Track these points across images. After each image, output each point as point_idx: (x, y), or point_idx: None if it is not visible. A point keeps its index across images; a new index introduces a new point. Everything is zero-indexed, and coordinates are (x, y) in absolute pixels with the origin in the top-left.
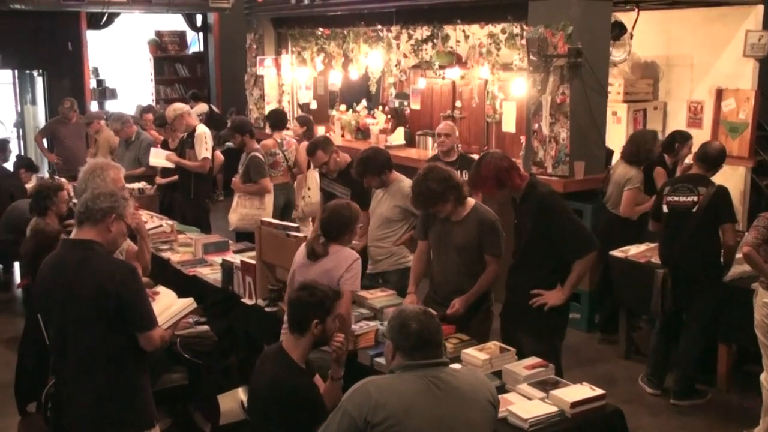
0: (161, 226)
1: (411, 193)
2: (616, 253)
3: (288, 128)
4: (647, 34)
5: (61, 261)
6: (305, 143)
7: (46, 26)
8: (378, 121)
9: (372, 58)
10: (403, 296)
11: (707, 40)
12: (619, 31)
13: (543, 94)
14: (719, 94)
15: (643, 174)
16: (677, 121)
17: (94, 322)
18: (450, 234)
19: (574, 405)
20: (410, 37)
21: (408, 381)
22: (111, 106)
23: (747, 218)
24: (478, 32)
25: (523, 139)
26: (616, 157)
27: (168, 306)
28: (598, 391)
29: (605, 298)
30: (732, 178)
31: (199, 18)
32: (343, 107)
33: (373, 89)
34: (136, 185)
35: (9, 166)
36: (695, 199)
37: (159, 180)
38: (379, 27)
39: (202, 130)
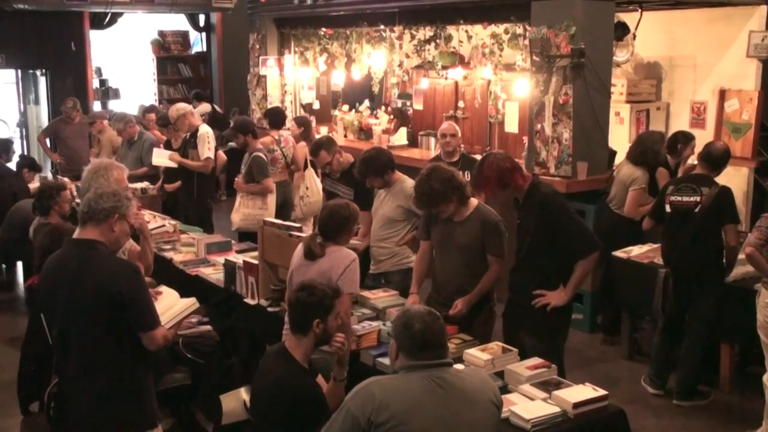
0: (164, 226)
1: (414, 194)
2: (619, 253)
3: (286, 129)
4: (650, 35)
5: (65, 260)
6: (303, 143)
7: (49, 26)
8: (381, 121)
9: (375, 58)
10: (405, 296)
11: (710, 40)
12: (622, 31)
13: (546, 94)
14: (722, 95)
15: (648, 175)
16: (680, 122)
17: (97, 322)
18: (453, 234)
19: (576, 405)
20: (413, 37)
21: (412, 381)
22: (114, 105)
23: (750, 219)
24: (480, 32)
25: (525, 139)
26: (618, 158)
27: (171, 306)
28: (601, 392)
29: (608, 298)
30: (735, 179)
31: (202, 18)
32: (345, 107)
33: (375, 89)
34: (139, 185)
35: (12, 165)
36: (698, 199)
37: (168, 187)
38: (382, 27)
39: (205, 130)
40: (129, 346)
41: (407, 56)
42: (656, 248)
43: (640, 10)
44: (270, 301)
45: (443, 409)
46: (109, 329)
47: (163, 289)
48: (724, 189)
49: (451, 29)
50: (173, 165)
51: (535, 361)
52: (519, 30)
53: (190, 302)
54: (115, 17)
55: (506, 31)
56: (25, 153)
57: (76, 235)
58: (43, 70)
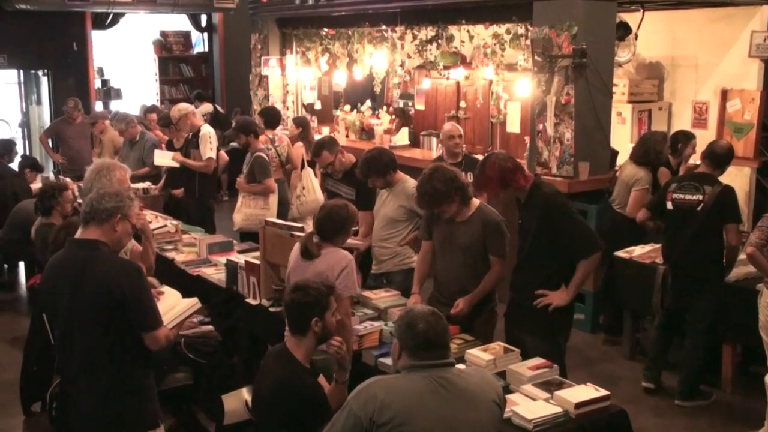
0: (166, 226)
1: (416, 193)
2: (621, 253)
3: (285, 129)
4: (652, 35)
5: (67, 260)
6: (299, 143)
7: (51, 26)
8: (382, 121)
9: (376, 58)
10: (407, 296)
11: (712, 40)
12: (624, 31)
13: (548, 94)
14: (724, 95)
15: (651, 175)
16: (682, 122)
17: (99, 322)
18: (454, 234)
19: (578, 405)
20: (415, 37)
21: (414, 381)
22: (116, 106)
23: (752, 219)
24: (482, 32)
25: (527, 139)
26: (620, 158)
27: (173, 306)
28: (603, 392)
29: (610, 298)
30: (737, 179)
31: (203, 18)
32: (347, 107)
33: (377, 89)
34: (141, 185)
35: (14, 166)
36: (700, 197)
37: (176, 192)
38: (384, 27)
39: (207, 130)
40: (131, 346)
41: (409, 56)
42: (658, 248)
43: (641, 10)
44: (272, 301)
45: (445, 409)
46: (112, 329)
47: (165, 289)
48: (727, 188)
49: (452, 29)
50: (175, 165)
51: (537, 361)
52: (521, 30)
53: (192, 302)
54: (117, 17)
55: (508, 31)
56: (27, 153)
57: (78, 235)
58: (45, 71)
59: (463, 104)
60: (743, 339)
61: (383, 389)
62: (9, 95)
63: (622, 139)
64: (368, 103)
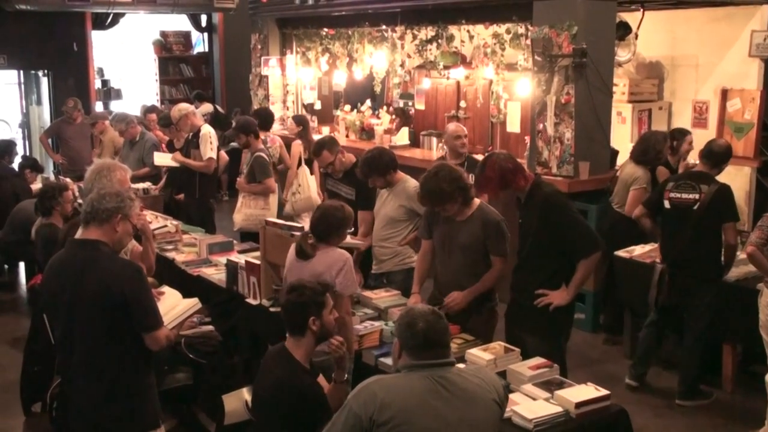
0: (166, 226)
1: (417, 191)
2: (621, 253)
3: (285, 128)
4: (652, 34)
5: (67, 261)
6: (298, 141)
7: (51, 26)
8: (382, 121)
9: (376, 58)
10: (407, 296)
11: (712, 40)
12: (624, 31)
13: (548, 94)
14: (724, 94)
15: (650, 175)
16: (682, 121)
17: (100, 322)
18: (455, 234)
19: (578, 405)
20: (415, 37)
21: (414, 380)
22: (116, 106)
23: (752, 218)
24: (482, 32)
25: (527, 139)
26: (620, 158)
27: (173, 306)
28: (603, 392)
29: (610, 298)
30: (737, 179)
31: (203, 18)
32: (347, 107)
33: (377, 89)
34: (141, 185)
35: (14, 166)
36: (697, 196)
37: (179, 197)
38: (384, 27)
39: (207, 130)
40: (131, 346)
41: (409, 56)
42: (658, 248)
43: (642, 10)
44: (272, 301)
45: (445, 409)
46: (112, 329)
47: (166, 289)
48: (724, 187)
49: (452, 29)
50: (175, 165)
51: (538, 360)
52: (521, 30)
53: (193, 302)
54: (117, 18)
55: (508, 31)
56: (27, 154)
57: (78, 235)
58: (45, 71)
59: (463, 104)
60: (743, 338)
61: (383, 389)
62: (9, 95)
63: (622, 138)
64: (368, 103)
